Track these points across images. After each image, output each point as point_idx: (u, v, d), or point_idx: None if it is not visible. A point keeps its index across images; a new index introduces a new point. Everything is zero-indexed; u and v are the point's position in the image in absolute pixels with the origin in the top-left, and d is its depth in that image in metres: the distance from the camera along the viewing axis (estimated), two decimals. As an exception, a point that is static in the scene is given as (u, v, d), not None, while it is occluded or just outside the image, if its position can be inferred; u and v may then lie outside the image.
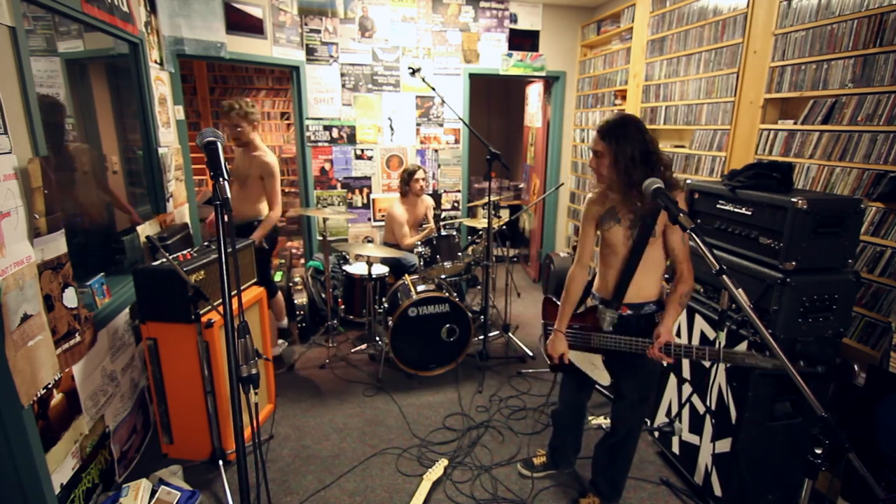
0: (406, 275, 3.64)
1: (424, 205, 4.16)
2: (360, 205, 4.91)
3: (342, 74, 4.55)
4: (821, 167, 2.41)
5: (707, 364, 2.18)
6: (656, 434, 2.62)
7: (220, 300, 1.79)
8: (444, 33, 4.74)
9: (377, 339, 3.70)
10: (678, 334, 2.41)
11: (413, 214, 4.05)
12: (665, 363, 1.83)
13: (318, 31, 4.41)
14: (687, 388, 2.35)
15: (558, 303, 2.07)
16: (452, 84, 4.85)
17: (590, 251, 2.01)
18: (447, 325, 3.32)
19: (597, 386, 2.49)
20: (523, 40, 4.94)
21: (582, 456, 2.44)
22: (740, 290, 1.22)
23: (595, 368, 2.01)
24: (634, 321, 1.94)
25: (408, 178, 3.93)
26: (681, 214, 1.37)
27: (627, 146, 1.71)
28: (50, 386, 1.82)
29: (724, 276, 1.22)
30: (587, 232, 1.98)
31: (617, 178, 1.77)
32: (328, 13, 4.40)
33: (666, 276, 2.04)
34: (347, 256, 4.21)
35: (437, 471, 2.39)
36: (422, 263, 3.50)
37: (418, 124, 4.89)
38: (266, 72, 7.69)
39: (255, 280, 2.86)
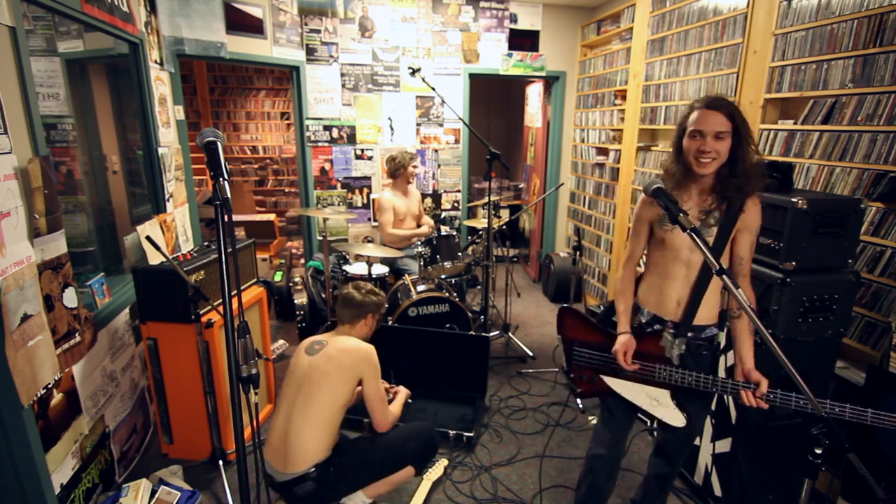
0: (406, 275, 3.64)
1: (416, 196, 4.04)
2: (360, 205, 4.91)
3: (342, 74, 4.55)
4: (821, 167, 2.41)
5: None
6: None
7: (220, 300, 1.79)
8: (444, 33, 4.74)
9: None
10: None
11: (406, 206, 3.91)
12: (756, 406, 1.50)
13: (318, 31, 4.41)
14: (687, 388, 2.35)
15: (582, 314, 1.85)
16: (452, 84, 4.85)
17: (640, 253, 1.76)
18: (447, 325, 3.32)
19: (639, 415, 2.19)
20: (523, 40, 4.94)
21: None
22: (740, 290, 1.22)
23: (658, 406, 1.64)
24: (694, 347, 1.66)
25: (407, 161, 3.74)
26: (681, 214, 1.31)
27: (747, 126, 1.49)
28: (50, 386, 1.82)
29: (725, 276, 1.22)
30: (640, 233, 1.71)
31: (725, 166, 1.51)
32: (328, 13, 4.40)
33: None
34: (347, 256, 4.21)
35: (437, 471, 2.39)
36: (422, 263, 3.50)
37: (418, 124, 4.89)
38: (266, 72, 7.70)
39: (255, 280, 2.86)
